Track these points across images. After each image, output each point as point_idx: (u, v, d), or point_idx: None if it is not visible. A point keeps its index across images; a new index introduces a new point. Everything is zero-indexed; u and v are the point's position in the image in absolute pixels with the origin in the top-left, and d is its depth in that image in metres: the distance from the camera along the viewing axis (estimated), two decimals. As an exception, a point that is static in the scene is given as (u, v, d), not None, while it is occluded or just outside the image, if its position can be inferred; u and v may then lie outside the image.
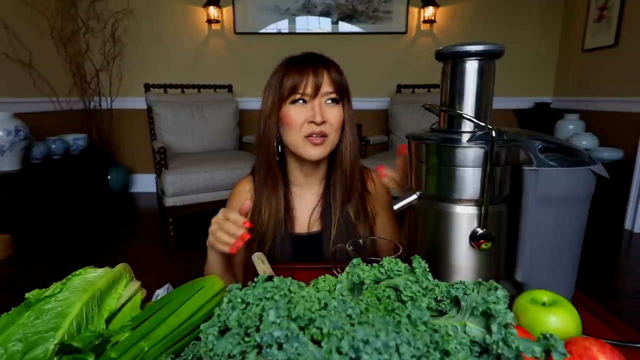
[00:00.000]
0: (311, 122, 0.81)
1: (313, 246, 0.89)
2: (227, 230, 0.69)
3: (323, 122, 0.81)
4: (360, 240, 0.67)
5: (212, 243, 0.72)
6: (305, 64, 0.83)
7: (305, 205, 0.92)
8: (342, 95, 0.85)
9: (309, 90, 0.81)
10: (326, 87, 0.82)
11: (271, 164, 0.87)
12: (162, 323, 0.45)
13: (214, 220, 0.72)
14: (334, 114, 0.83)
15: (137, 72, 3.40)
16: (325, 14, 3.44)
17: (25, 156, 2.40)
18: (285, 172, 0.92)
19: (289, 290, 0.40)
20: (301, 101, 0.82)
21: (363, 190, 0.93)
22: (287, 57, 0.87)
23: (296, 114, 0.81)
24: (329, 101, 0.83)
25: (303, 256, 0.88)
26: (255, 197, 0.90)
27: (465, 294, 0.40)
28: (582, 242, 0.54)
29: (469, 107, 0.52)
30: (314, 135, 0.81)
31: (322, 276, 0.51)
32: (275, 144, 0.86)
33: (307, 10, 3.42)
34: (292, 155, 0.88)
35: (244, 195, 0.93)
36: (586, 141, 2.79)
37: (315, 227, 0.91)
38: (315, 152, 0.83)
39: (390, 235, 0.94)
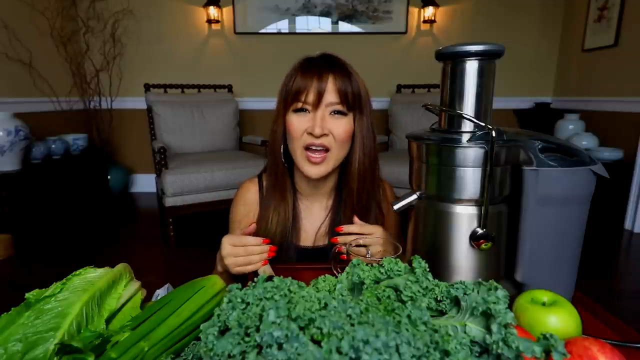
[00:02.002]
0: (310, 133, 0.75)
1: (318, 260, 0.84)
2: (254, 253, 0.69)
3: (324, 135, 0.75)
4: (361, 240, 0.67)
5: (239, 270, 0.70)
6: (312, 67, 0.76)
7: (313, 218, 0.88)
8: (352, 105, 0.77)
9: (310, 99, 0.75)
10: (331, 96, 0.75)
11: (279, 170, 0.83)
12: (162, 323, 0.45)
13: (225, 253, 0.69)
14: (339, 126, 0.76)
15: (137, 72, 3.40)
16: (325, 14, 3.44)
17: (25, 156, 2.40)
18: (294, 181, 0.87)
19: (289, 290, 0.40)
20: (304, 110, 0.77)
21: (379, 211, 0.86)
22: (305, 56, 0.81)
23: (297, 122, 0.77)
24: (334, 112, 0.77)
25: None
26: (262, 200, 0.87)
27: (465, 294, 0.40)
28: (582, 242, 0.54)
29: (469, 107, 0.52)
30: (313, 148, 0.76)
31: (322, 276, 0.51)
32: (282, 149, 0.82)
33: (307, 10, 3.42)
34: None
35: (250, 196, 0.90)
36: (586, 141, 2.79)
37: (322, 242, 0.87)
38: (313, 171, 0.77)
39: None
